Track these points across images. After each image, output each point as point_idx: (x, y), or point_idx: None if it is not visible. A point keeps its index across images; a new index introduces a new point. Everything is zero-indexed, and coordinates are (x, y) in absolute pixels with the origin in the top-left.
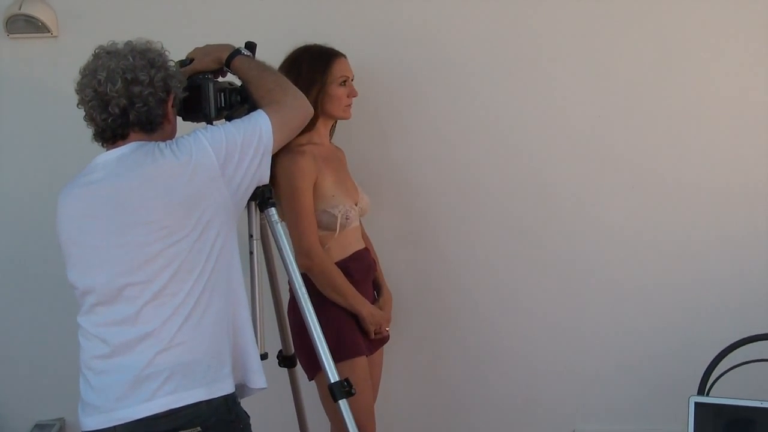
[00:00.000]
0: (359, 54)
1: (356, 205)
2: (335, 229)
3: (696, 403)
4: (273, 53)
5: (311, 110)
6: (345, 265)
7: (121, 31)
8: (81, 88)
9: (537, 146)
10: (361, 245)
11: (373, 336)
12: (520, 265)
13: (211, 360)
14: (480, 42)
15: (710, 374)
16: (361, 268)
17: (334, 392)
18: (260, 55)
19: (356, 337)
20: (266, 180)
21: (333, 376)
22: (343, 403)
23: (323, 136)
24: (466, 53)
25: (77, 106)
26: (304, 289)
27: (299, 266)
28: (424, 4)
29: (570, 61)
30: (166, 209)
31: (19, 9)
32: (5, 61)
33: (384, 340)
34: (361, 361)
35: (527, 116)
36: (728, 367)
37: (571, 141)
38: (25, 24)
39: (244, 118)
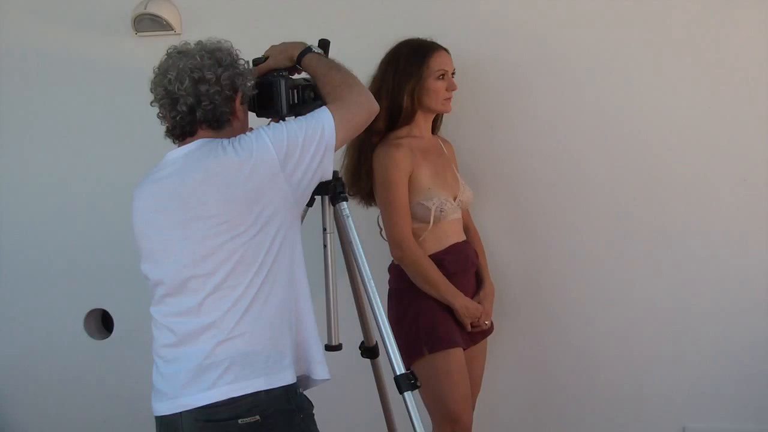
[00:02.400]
0: (467, 49)
1: (455, 198)
2: (429, 222)
3: None
4: (374, 47)
5: (376, 107)
6: (440, 258)
7: (240, 28)
8: (154, 87)
9: (645, 140)
10: (460, 238)
11: (469, 328)
12: (628, 260)
13: (271, 351)
14: (586, 37)
15: None
16: (458, 261)
17: (400, 384)
18: (360, 49)
19: (451, 329)
20: (329, 176)
21: (399, 368)
22: (408, 395)
23: (423, 129)
24: (572, 48)
25: (150, 104)
26: (373, 283)
27: (393, 257)
28: (528, 2)
29: (674, 55)
30: (226, 204)
31: (145, 8)
32: (134, 59)
33: (486, 332)
34: (457, 353)
35: (634, 110)
36: None
37: (679, 134)
38: (151, 22)
39: (308, 115)
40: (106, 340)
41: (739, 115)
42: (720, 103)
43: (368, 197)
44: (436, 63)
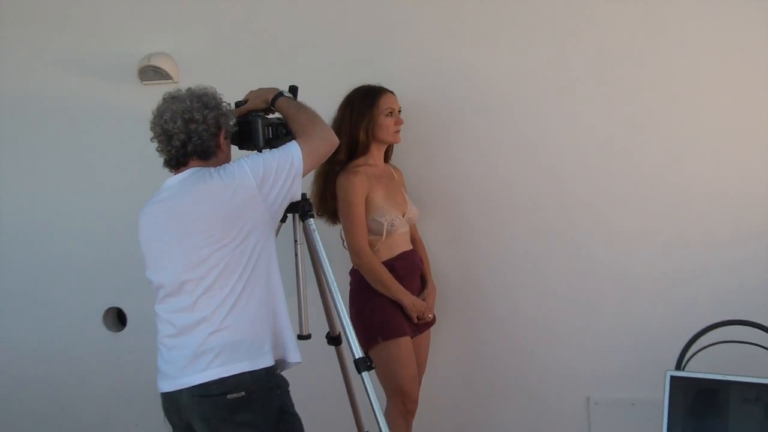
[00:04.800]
0: (412, 90)
1: (404, 215)
2: (383, 234)
3: (671, 376)
4: (335, 92)
5: (336, 141)
6: (391, 264)
7: (225, 76)
8: (153, 126)
9: (556, 161)
10: (408, 247)
11: (416, 321)
12: (544, 261)
13: (253, 339)
14: (508, 77)
15: (686, 353)
16: (406, 266)
17: (359, 365)
18: (324, 93)
19: (401, 322)
20: (298, 197)
21: (357, 353)
22: (365, 375)
23: (377, 158)
24: (496, 87)
25: (150, 141)
26: (335, 284)
27: (353, 263)
28: (461, 49)
29: (580, 94)
30: (214, 220)
31: (149, 62)
32: (140, 103)
33: (429, 324)
34: (405, 341)
35: (545, 142)
36: (700, 348)
37: (586, 156)
38: (153, 73)
39: (280, 147)
40: (121, 332)
41: (634, 138)
42: (618, 131)
43: (333, 216)
44: (385, 103)
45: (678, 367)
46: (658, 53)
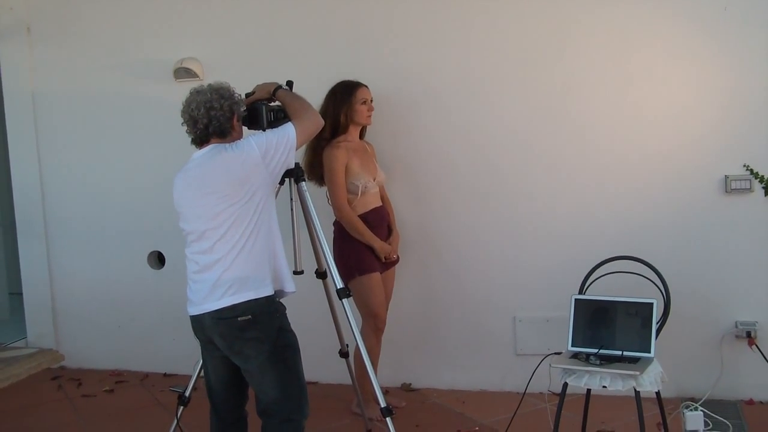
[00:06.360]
0: (381, 85)
1: (374, 179)
2: (358, 194)
3: (575, 299)
4: (324, 85)
5: (322, 122)
6: (365, 217)
7: (240, 73)
8: (182, 114)
9: (487, 140)
10: (378, 204)
11: (384, 260)
12: (480, 217)
13: (257, 274)
14: (458, 73)
15: (587, 281)
16: (377, 218)
17: (340, 294)
18: (316, 86)
19: (372, 261)
20: (293, 165)
21: (339, 284)
22: (345, 301)
23: (354, 136)
24: (448, 81)
25: (181, 125)
26: (322, 232)
27: (335, 216)
28: (420, 50)
29: (527, 77)
30: (227, 184)
31: (181, 64)
32: (174, 96)
33: (394, 262)
34: (376, 276)
35: (486, 121)
36: (597, 277)
37: (509, 134)
38: (185, 72)
39: (279, 127)
40: (161, 270)
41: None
42: (547, 117)
43: (320, 180)
44: (360, 94)
45: (580, 291)
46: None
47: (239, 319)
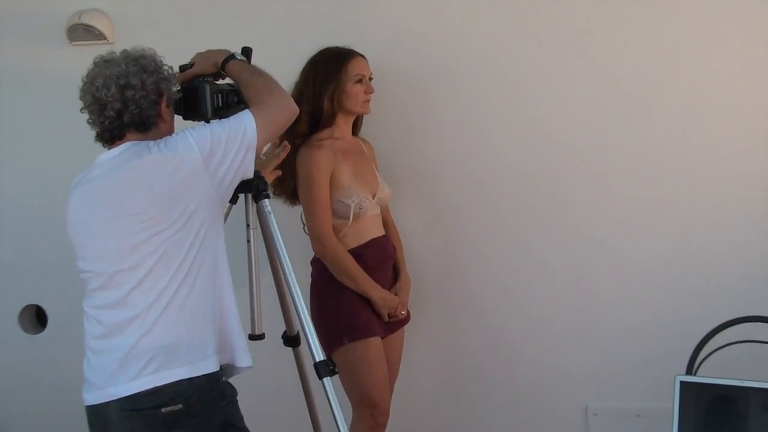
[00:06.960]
0: (386, 54)
1: (374, 196)
2: (349, 218)
3: (681, 382)
4: (300, 56)
5: (296, 110)
6: (359, 252)
7: (170, 36)
8: (82, 95)
9: (550, 134)
10: (379, 233)
11: (387, 318)
12: (536, 247)
13: (193, 340)
14: (494, 44)
15: (698, 355)
16: (377, 255)
17: (319, 370)
18: (288, 57)
19: (370, 319)
20: (251, 174)
21: (318, 355)
22: (327, 381)
23: (344, 131)
24: (482, 55)
25: (80, 111)
26: (294, 275)
27: (314, 251)
28: (443, 9)
29: (577, 62)
30: (151, 200)
31: (79, 19)
32: (68, 67)
33: (403, 322)
34: (375, 342)
35: (537, 113)
36: (714, 348)
37: (577, 136)
38: (84, 32)
39: (231, 117)
40: (40, 335)
41: (633, 117)
42: (616, 106)
43: (292, 196)
44: (354, 68)
45: (689, 371)
46: (660, 21)
47: (164, 410)
